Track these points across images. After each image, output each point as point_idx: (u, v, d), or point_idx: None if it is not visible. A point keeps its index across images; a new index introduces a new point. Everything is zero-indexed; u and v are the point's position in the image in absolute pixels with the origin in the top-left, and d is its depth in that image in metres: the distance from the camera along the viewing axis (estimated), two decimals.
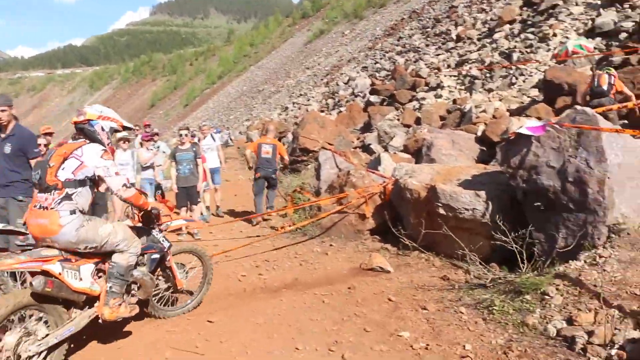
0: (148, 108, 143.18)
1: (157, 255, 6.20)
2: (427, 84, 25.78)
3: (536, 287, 6.27)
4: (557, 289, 6.16)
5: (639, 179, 7.19)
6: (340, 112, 30.37)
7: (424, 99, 23.64)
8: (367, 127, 23.16)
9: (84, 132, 5.42)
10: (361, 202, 10.63)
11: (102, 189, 6.28)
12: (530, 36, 23.86)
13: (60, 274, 5.06)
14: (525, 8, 27.95)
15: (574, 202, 6.99)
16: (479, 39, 29.82)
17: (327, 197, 11.47)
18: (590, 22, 21.67)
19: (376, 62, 45.83)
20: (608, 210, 6.78)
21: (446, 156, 12.63)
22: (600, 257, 6.51)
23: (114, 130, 5.67)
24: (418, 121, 19.79)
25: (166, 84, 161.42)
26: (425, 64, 29.86)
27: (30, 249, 5.16)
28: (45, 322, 5.08)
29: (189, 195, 11.95)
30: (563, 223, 7.09)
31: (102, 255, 5.50)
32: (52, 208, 5.09)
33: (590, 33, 20.54)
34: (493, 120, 15.14)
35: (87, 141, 5.38)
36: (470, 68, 24.86)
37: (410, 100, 24.57)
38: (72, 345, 5.56)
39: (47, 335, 5.00)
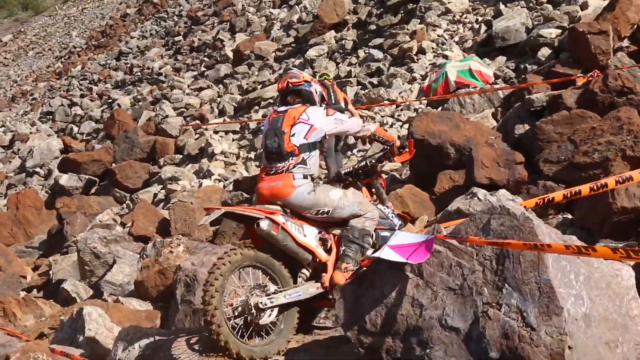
0: None
1: (387, 233, 5.69)
2: (179, 149, 16.87)
3: None
4: None
5: (628, 341, 3.98)
6: None
7: (174, 179, 14.92)
8: (55, 241, 13.38)
9: (301, 93, 5.63)
10: None
11: None
12: (376, 53, 15.70)
13: (284, 223, 5.18)
14: (363, 1, 19.00)
15: None
16: (279, 58, 19.77)
17: None
18: (482, 26, 14.70)
19: (72, 104, 27.37)
20: None
21: None
22: None
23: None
24: (164, 227, 11.73)
25: None
26: (175, 108, 19.65)
27: None
28: (272, 280, 5.22)
29: None
30: None
31: (329, 223, 5.56)
32: (287, 171, 5.32)
33: (485, 47, 13.99)
34: None
35: (307, 105, 5.57)
36: (264, 117, 14.40)
37: (147, 184, 15.86)
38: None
39: (276, 292, 5.14)
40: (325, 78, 11.26)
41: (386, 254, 4.38)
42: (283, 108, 5.57)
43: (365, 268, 4.81)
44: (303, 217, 5.41)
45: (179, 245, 9.20)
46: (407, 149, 5.95)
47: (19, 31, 60.20)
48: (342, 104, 11.10)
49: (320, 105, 5.72)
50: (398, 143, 5.89)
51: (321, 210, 5.43)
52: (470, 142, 9.29)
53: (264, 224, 5.05)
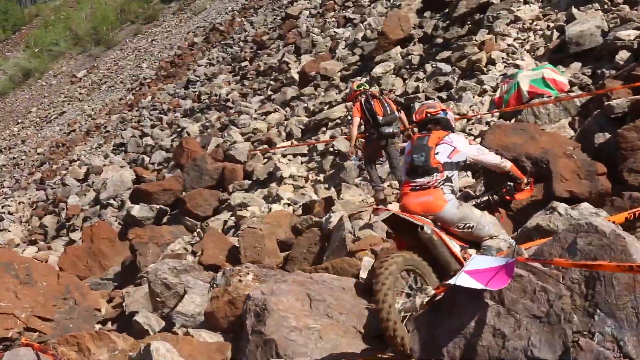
0: None
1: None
2: (248, 174, 16.43)
3: None
4: None
5: None
6: (72, 243, 18.29)
7: (243, 206, 14.20)
8: (129, 272, 13.30)
9: (441, 122, 6.03)
10: None
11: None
12: (444, 67, 15.16)
13: (441, 232, 5.55)
14: (429, 14, 18.62)
15: None
16: (345, 78, 19.17)
17: None
18: (555, 32, 14.00)
19: (143, 134, 27.66)
20: None
21: (298, 332, 6.49)
22: None
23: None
24: (234, 255, 11.26)
25: None
26: (242, 134, 19.35)
27: None
28: (427, 284, 5.53)
29: None
30: None
31: (468, 242, 5.83)
32: (435, 187, 5.65)
33: (558, 53, 13.22)
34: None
35: (449, 131, 5.99)
36: (332, 138, 15.65)
37: (217, 212, 15.27)
38: None
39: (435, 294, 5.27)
40: (364, 88, 11.24)
41: (463, 280, 4.07)
42: (426, 132, 5.99)
43: (440, 296, 4.50)
44: (449, 233, 5.74)
45: (248, 273, 8.99)
46: (529, 187, 6.28)
47: (93, 66, 62.20)
48: (397, 113, 11.04)
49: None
50: (526, 181, 6.19)
51: (467, 225, 5.77)
52: (548, 154, 8.71)
53: (428, 229, 5.42)
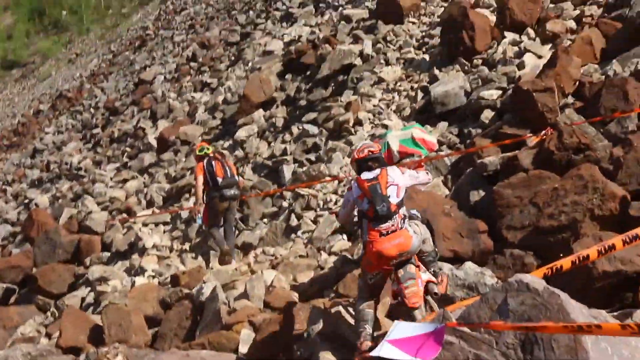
0: None
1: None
2: (107, 246, 15.29)
3: None
4: None
5: None
6: None
7: (103, 280, 12.99)
8: None
9: (379, 160, 6.73)
10: None
11: None
12: (311, 128, 14.71)
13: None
14: (290, 77, 18.36)
15: None
16: (207, 141, 17.43)
17: None
18: (419, 93, 13.88)
19: None
20: None
21: None
22: None
23: None
24: (97, 335, 10.10)
25: None
26: (98, 203, 18.13)
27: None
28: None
29: None
30: None
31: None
32: (401, 228, 6.20)
33: (424, 113, 13.16)
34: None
35: (384, 167, 6.56)
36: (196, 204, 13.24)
37: (73, 288, 13.97)
38: None
39: None
40: (205, 153, 11.61)
41: (387, 351, 3.61)
42: (370, 175, 6.47)
43: None
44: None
45: (117, 354, 8.19)
46: None
47: None
48: (237, 177, 11.72)
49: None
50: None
51: (424, 243, 6.59)
52: (427, 213, 8.58)
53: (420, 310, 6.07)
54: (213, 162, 11.26)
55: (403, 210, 6.34)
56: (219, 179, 11.18)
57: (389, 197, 6.26)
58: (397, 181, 6.42)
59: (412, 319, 5.83)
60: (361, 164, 6.69)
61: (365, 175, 6.51)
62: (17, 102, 54.25)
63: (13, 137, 39.57)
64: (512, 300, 3.64)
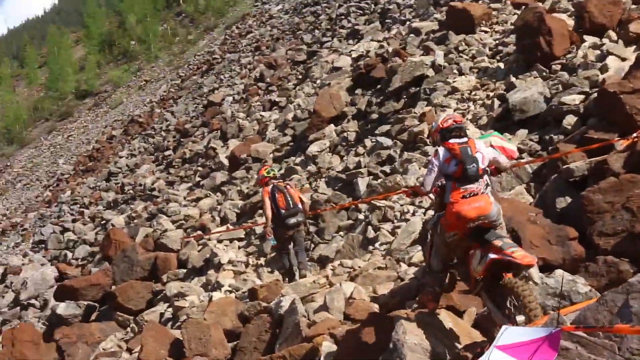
0: None
1: None
2: (183, 263, 15.52)
3: None
4: None
5: None
6: None
7: (181, 295, 13.06)
8: None
9: (463, 129, 6.75)
10: None
11: None
12: (384, 140, 14.59)
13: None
14: (360, 92, 18.33)
15: None
16: (277, 159, 18.83)
17: None
18: (495, 101, 13.50)
19: (64, 230, 26.36)
20: None
21: None
22: None
23: None
24: (177, 349, 10.17)
25: None
26: (173, 221, 18.48)
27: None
28: None
29: None
30: None
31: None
32: (482, 193, 6.33)
33: (502, 121, 12.76)
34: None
35: (473, 138, 6.73)
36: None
37: (151, 304, 14.14)
38: None
39: None
40: (273, 174, 11.73)
41: (497, 358, 3.35)
42: (461, 140, 6.57)
43: None
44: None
45: None
46: None
47: (6, 165, 60.10)
48: (299, 205, 11.42)
49: None
50: None
51: (501, 216, 6.52)
52: (512, 222, 8.26)
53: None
54: (276, 194, 11.36)
55: (487, 178, 6.48)
56: (282, 210, 11.30)
57: (477, 160, 6.39)
58: (484, 152, 6.57)
59: (527, 279, 6.01)
60: (445, 134, 6.73)
61: (455, 140, 6.59)
62: (90, 129, 55.94)
63: (88, 162, 40.76)
64: (635, 302, 3.32)
